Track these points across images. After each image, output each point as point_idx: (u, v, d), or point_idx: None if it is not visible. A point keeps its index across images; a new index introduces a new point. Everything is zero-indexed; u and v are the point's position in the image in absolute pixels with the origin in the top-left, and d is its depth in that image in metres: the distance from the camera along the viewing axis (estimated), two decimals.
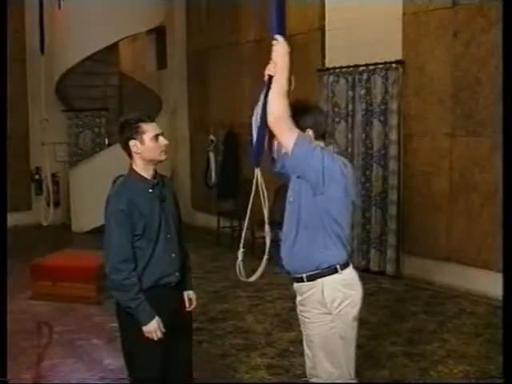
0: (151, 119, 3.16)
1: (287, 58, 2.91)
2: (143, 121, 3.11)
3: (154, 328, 3.07)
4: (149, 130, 3.10)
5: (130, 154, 3.16)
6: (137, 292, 3.04)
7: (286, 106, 2.88)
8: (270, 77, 2.92)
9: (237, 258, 3.10)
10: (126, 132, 3.11)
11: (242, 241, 3.15)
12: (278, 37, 2.94)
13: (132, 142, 3.10)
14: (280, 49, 2.92)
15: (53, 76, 9.78)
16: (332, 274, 2.99)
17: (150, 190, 3.15)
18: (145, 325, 3.06)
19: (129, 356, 3.22)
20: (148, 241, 3.10)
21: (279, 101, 2.88)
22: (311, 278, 3.01)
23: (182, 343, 3.30)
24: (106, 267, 3.09)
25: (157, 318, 3.08)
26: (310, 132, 3.02)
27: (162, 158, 3.16)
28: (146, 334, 3.07)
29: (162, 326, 3.09)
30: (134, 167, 3.16)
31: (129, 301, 3.05)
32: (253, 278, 3.16)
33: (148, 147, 3.10)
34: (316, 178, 2.90)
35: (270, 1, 3.07)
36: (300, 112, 3.02)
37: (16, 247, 6.40)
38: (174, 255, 3.19)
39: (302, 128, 2.99)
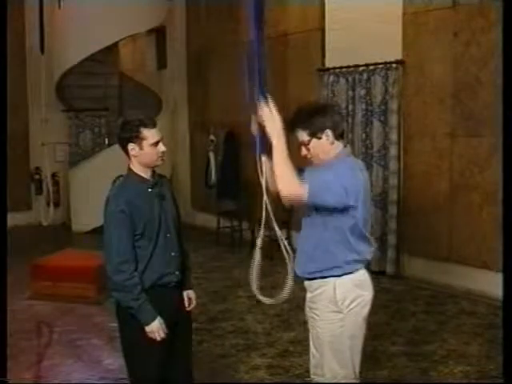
0: (153, 124, 3.11)
1: (278, 122, 2.86)
2: (145, 125, 3.07)
3: (156, 328, 3.06)
4: (149, 136, 3.07)
5: (127, 154, 3.15)
6: (139, 292, 3.04)
7: (292, 175, 2.85)
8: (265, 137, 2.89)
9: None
10: (126, 133, 3.09)
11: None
12: (262, 105, 2.87)
13: (131, 146, 3.08)
14: (266, 116, 2.87)
15: (53, 76, 9.79)
16: (345, 273, 2.99)
17: (150, 190, 3.15)
18: (147, 325, 3.06)
19: (128, 356, 3.21)
20: (148, 240, 3.09)
21: (285, 175, 2.84)
22: (324, 276, 3.00)
23: (182, 343, 3.30)
24: (107, 268, 3.08)
25: (159, 317, 3.07)
26: (329, 133, 2.99)
27: (159, 163, 3.15)
28: (149, 335, 3.06)
29: (164, 325, 3.09)
30: (132, 168, 3.16)
31: (131, 301, 3.04)
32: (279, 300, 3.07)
33: (146, 153, 3.08)
34: (342, 204, 2.89)
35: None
36: (317, 114, 3.01)
37: (16, 247, 6.39)
38: (173, 254, 3.19)
39: (321, 129, 2.98)
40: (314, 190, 2.84)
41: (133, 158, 3.12)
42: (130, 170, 3.17)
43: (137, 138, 3.06)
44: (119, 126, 3.15)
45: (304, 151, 3.05)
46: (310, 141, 3.00)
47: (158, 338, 3.07)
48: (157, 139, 3.10)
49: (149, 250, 3.10)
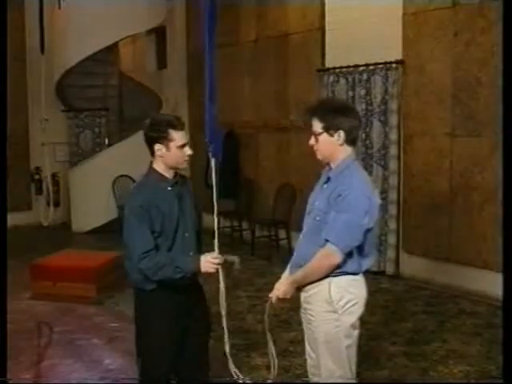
0: (182, 126, 3.12)
1: (285, 287, 3.09)
2: (174, 127, 3.08)
3: (208, 265, 3.11)
4: (177, 138, 3.08)
5: (152, 153, 3.14)
6: (166, 261, 3.02)
7: (316, 264, 2.97)
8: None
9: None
10: (154, 133, 3.08)
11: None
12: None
13: (157, 146, 3.08)
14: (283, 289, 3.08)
15: (53, 76, 9.79)
16: (341, 274, 2.99)
17: (169, 189, 3.16)
18: (199, 269, 3.09)
19: (142, 342, 3.23)
20: (165, 239, 3.10)
21: (316, 269, 2.98)
22: None
23: (197, 341, 3.32)
24: (132, 263, 3.06)
25: (202, 257, 3.11)
26: (341, 134, 2.97)
27: (184, 166, 3.18)
28: (210, 269, 3.12)
29: (211, 254, 3.17)
30: (155, 167, 3.16)
31: (171, 271, 3.03)
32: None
33: (172, 155, 3.09)
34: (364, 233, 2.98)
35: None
36: (338, 112, 2.99)
37: (16, 247, 6.39)
38: (191, 254, 3.20)
39: (335, 128, 2.96)
40: (342, 244, 2.90)
41: (158, 158, 3.12)
42: (151, 168, 3.17)
43: (164, 139, 3.07)
44: (148, 124, 3.13)
45: (312, 140, 3.05)
46: (321, 134, 2.99)
47: (216, 266, 3.16)
48: (184, 142, 3.11)
49: (166, 249, 3.10)
